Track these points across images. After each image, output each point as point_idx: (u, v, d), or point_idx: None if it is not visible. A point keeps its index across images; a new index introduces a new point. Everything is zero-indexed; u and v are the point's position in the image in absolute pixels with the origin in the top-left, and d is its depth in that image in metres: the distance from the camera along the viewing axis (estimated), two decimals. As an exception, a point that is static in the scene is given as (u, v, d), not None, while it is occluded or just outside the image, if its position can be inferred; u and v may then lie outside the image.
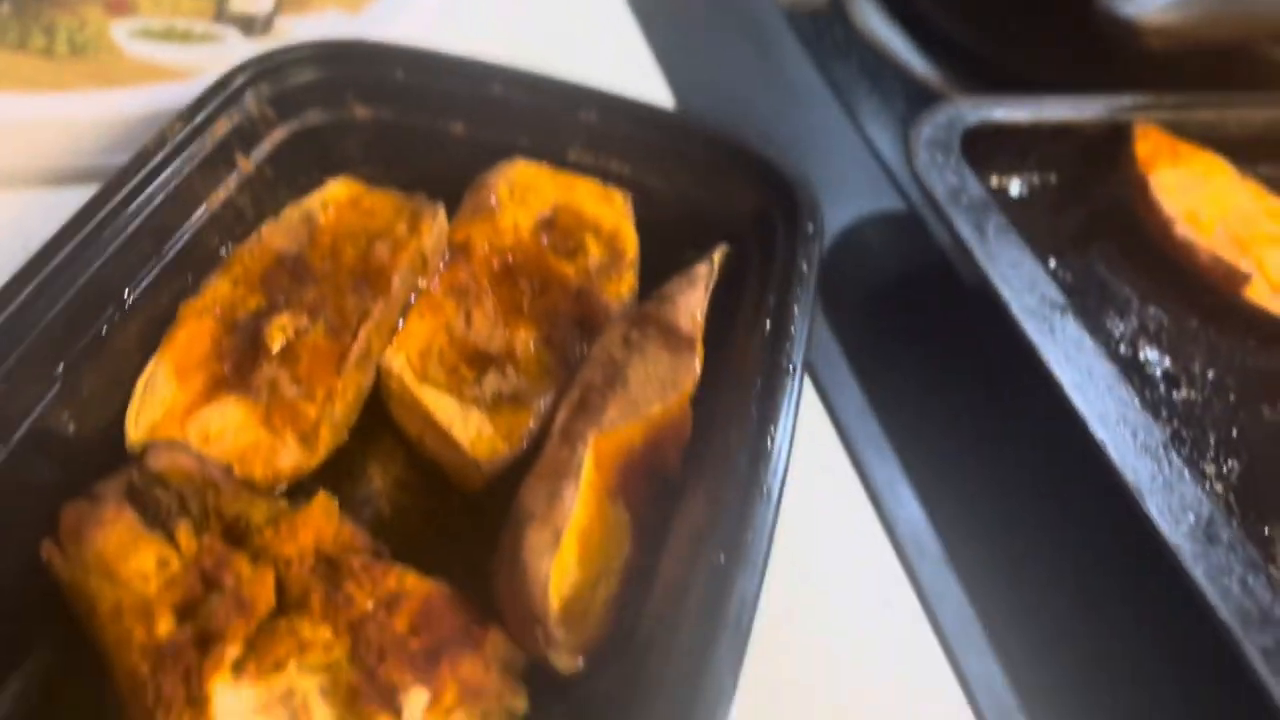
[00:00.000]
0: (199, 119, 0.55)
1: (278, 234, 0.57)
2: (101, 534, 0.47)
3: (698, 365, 0.50)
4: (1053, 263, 0.69)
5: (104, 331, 0.50)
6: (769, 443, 0.46)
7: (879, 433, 0.60)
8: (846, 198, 0.76)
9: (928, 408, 0.61)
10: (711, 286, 0.53)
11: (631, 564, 0.49)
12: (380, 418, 0.55)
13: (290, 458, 0.51)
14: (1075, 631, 0.52)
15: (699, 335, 0.51)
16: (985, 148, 0.70)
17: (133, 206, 0.51)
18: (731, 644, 0.40)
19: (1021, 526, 0.56)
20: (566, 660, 0.46)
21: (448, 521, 0.54)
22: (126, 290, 0.52)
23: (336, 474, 0.54)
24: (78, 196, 0.59)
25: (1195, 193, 0.70)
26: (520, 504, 0.47)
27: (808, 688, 0.50)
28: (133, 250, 0.52)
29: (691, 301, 0.52)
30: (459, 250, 0.58)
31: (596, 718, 0.46)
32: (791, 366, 0.47)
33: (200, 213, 0.55)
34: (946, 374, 0.63)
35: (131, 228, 0.51)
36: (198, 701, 0.42)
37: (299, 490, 0.52)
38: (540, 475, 0.48)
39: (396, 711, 0.42)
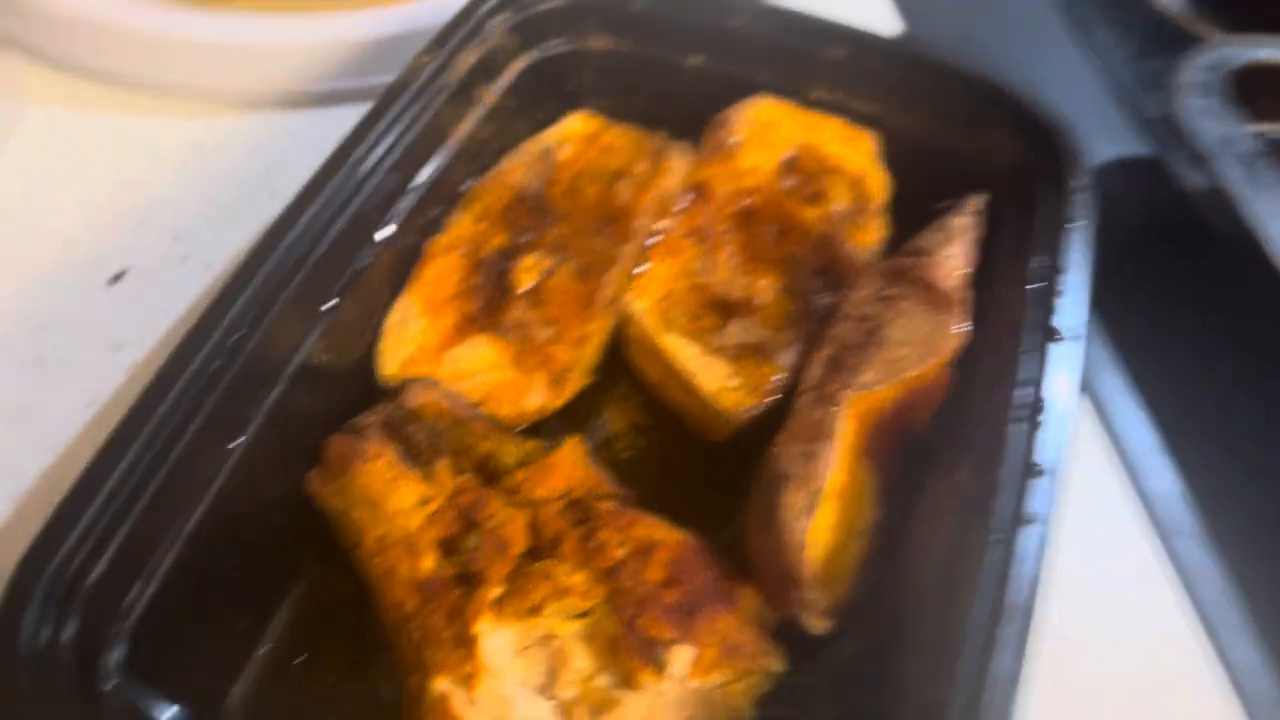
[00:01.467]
0: (448, 49, 0.54)
1: (517, 170, 0.57)
2: (366, 469, 0.48)
3: (960, 327, 0.48)
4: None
5: (360, 269, 0.50)
6: (1044, 414, 0.43)
7: (1130, 392, 0.57)
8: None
9: (1185, 364, 0.58)
10: (971, 242, 0.51)
11: (879, 526, 0.48)
12: (617, 361, 0.55)
13: (538, 398, 0.51)
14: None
15: (960, 295, 0.49)
16: (1251, 91, 0.64)
17: (385, 143, 0.51)
18: (1011, 627, 0.38)
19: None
20: (817, 621, 0.45)
21: (685, 469, 0.53)
22: (379, 228, 0.52)
23: (574, 416, 0.54)
24: (316, 120, 0.60)
25: None
26: (774, 464, 0.46)
27: (1060, 665, 0.48)
28: (384, 187, 0.52)
29: (952, 257, 0.50)
30: (697, 191, 0.56)
31: (846, 679, 0.45)
32: (1073, 333, 0.45)
33: (445, 147, 0.54)
34: (1201, 333, 0.59)
35: (386, 164, 0.51)
36: (465, 641, 0.43)
37: (539, 430, 0.52)
38: (794, 435, 0.47)
39: (659, 666, 0.42)
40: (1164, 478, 0.54)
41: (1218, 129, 0.59)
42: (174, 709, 0.39)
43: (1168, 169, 0.68)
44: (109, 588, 0.39)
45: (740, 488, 0.50)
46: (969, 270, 0.50)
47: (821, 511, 0.45)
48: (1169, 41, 0.76)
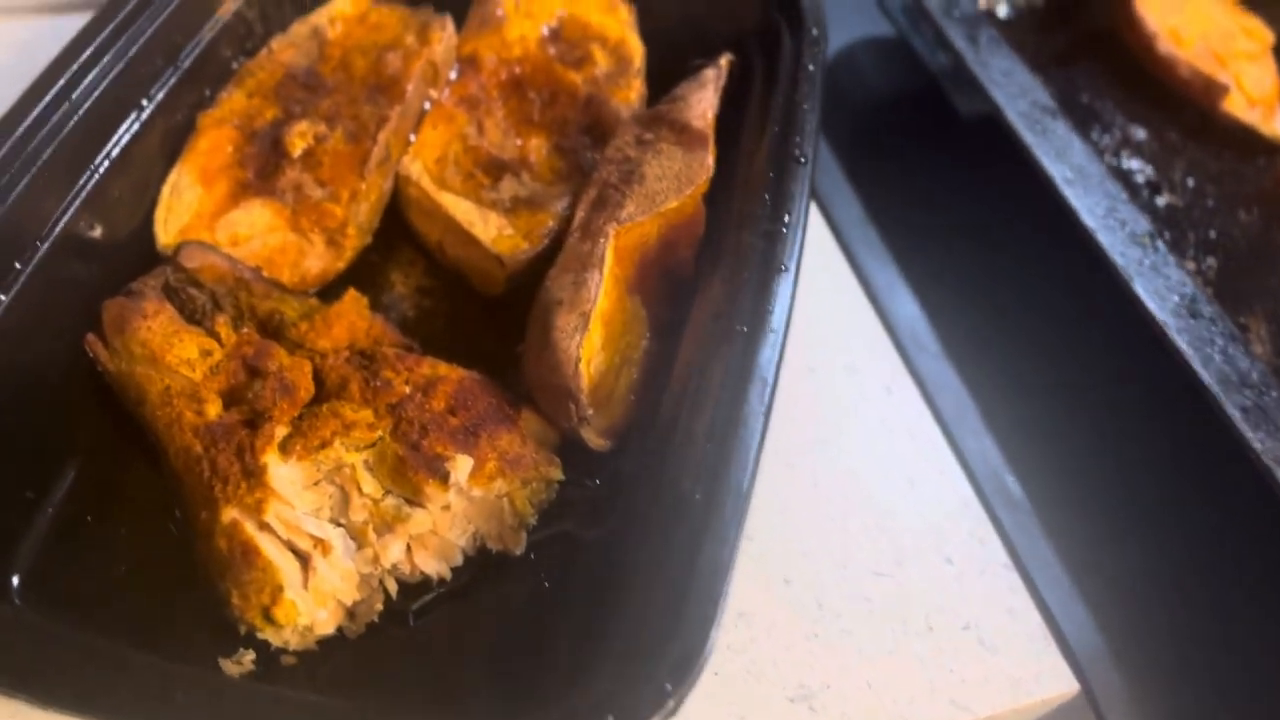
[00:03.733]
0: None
1: (287, 48, 0.58)
2: (145, 325, 0.48)
3: (710, 160, 0.52)
4: (1040, 80, 0.71)
5: (125, 141, 0.51)
6: (784, 226, 0.48)
7: (877, 240, 0.63)
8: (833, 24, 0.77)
9: (922, 217, 0.64)
10: (720, 88, 0.55)
11: (650, 355, 0.51)
12: (399, 230, 0.57)
13: (318, 260, 0.53)
14: (1065, 409, 0.56)
15: (711, 133, 0.53)
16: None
17: (141, 20, 0.52)
18: (758, 404, 0.42)
19: (1012, 317, 0.59)
20: (597, 439, 0.48)
21: (469, 323, 0.56)
22: (144, 101, 0.52)
23: (359, 282, 0.55)
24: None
25: (1177, 12, 0.72)
26: (546, 293, 0.49)
27: (813, 470, 0.53)
28: (145, 63, 0.52)
29: (703, 101, 0.54)
30: (467, 63, 0.59)
31: (626, 492, 0.49)
32: (802, 157, 0.49)
33: (210, 25, 0.55)
34: (939, 186, 0.66)
35: (142, 39, 0.51)
36: (253, 473, 0.44)
37: (325, 296, 0.54)
38: (564, 267, 0.50)
39: (443, 477, 0.45)
40: (906, 307, 0.60)
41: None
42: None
43: (909, 48, 0.75)
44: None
45: (515, 335, 0.52)
46: (716, 111, 0.54)
47: (591, 332, 0.48)
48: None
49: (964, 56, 0.61)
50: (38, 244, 0.47)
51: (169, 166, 0.53)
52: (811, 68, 0.53)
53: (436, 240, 0.55)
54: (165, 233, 0.51)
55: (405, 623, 0.46)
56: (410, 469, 0.45)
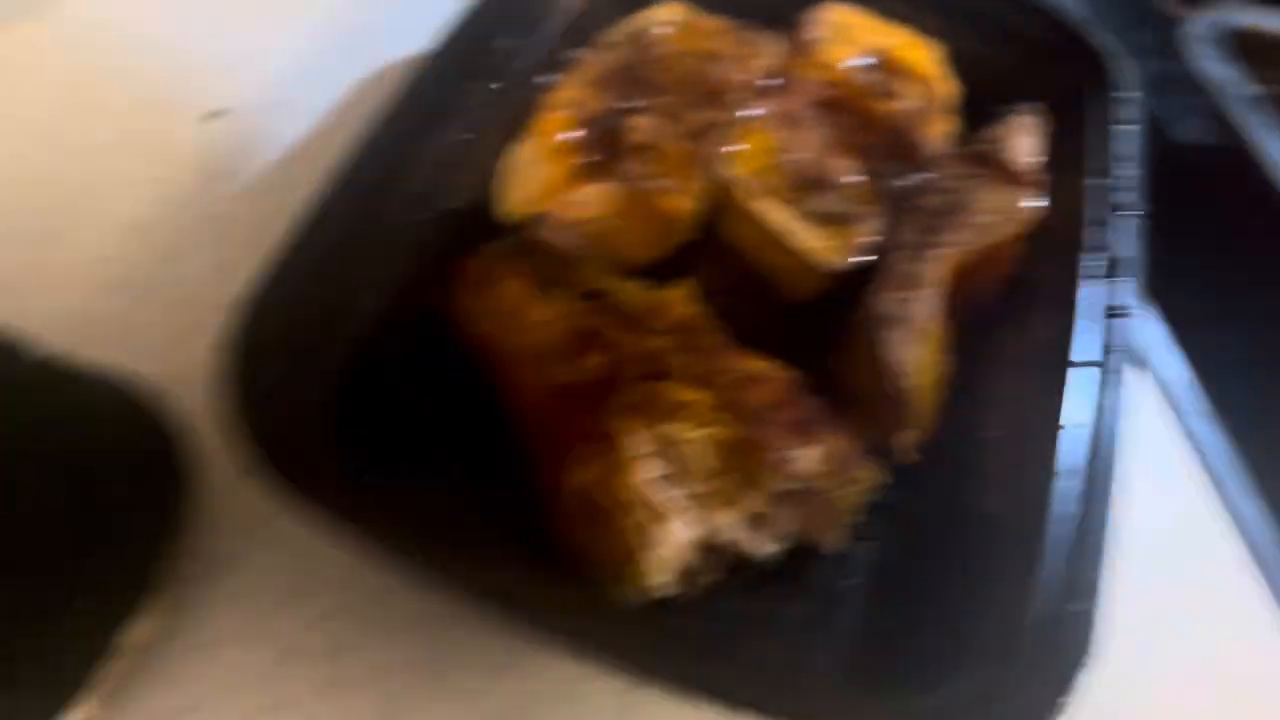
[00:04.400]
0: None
1: (614, 45, 0.61)
2: (504, 285, 0.51)
3: (1037, 202, 0.54)
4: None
5: (478, 115, 0.54)
6: (1114, 273, 0.50)
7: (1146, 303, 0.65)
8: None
9: (1191, 284, 0.66)
10: (1039, 135, 0.57)
11: (946, 379, 0.54)
12: (706, 229, 0.59)
13: (643, 248, 0.55)
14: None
15: (1036, 175, 0.55)
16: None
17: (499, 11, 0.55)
18: (1109, 446, 0.44)
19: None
20: (908, 448, 0.50)
21: (766, 325, 0.57)
22: (499, 79, 0.55)
23: (664, 273, 0.58)
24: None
25: None
26: (874, 308, 0.52)
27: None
28: (506, 43, 0.55)
29: (1025, 144, 0.56)
30: (785, 80, 0.61)
31: (924, 504, 0.51)
32: (1133, 209, 0.52)
33: (557, 12, 0.58)
34: (1204, 252, 0.68)
35: (508, 19, 0.55)
36: (606, 437, 0.47)
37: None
38: (890, 284, 0.52)
39: (783, 466, 0.47)
40: (1175, 368, 0.62)
41: (1228, 79, 0.67)
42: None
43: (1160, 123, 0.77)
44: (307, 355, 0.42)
45: (822, 343, 0.54)
46: (1039, 156, 0.56)
47: (919, 348, 0.50)
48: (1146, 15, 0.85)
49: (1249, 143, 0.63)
50: (410, 210, 0.50)
51: (510, 142, 0.55)
52: (1132, 125, 0.55)
53: (746, 244, 0.57)
54: (506, 204, 0.54)
55: (729, 596, 0.48)
56: (752, 453, 0.47)
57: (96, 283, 0.52)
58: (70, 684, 0.36)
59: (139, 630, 0.39)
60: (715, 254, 0.60)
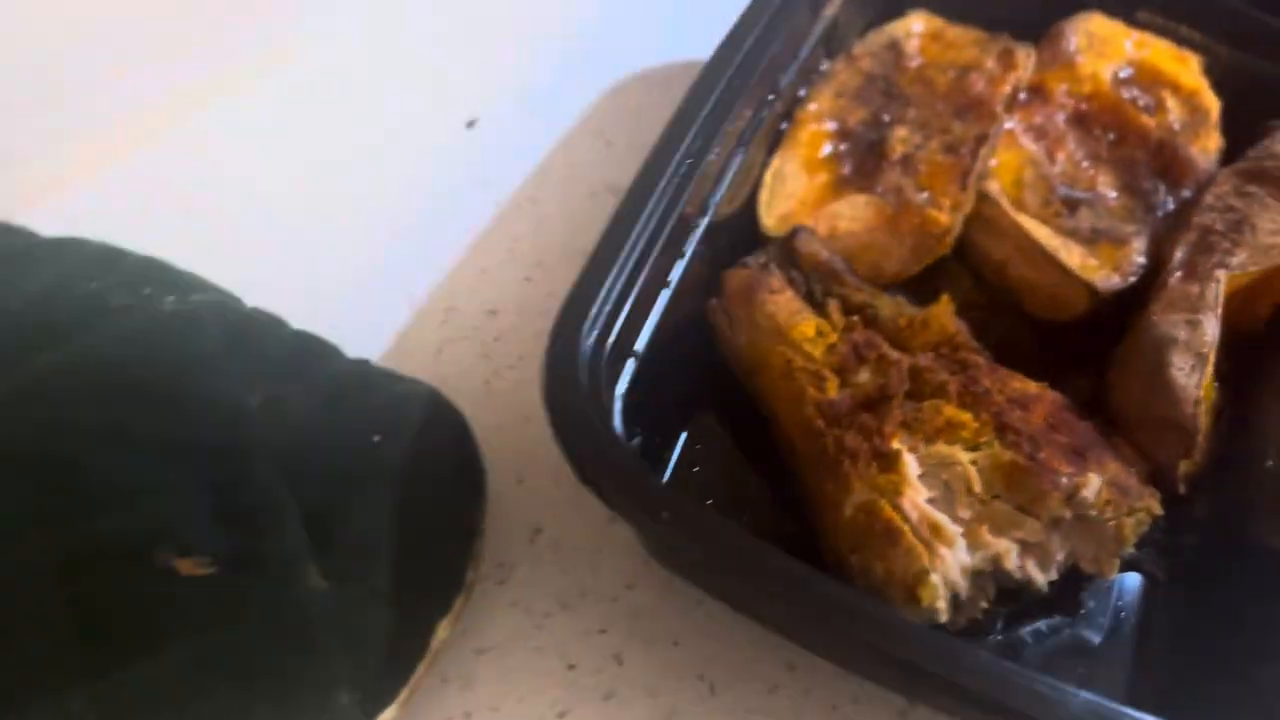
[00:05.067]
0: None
1: (865, 56, 0.60)
2: (772, 300, 0.51)
3: (1325, 222, 0.51)
4: None
5: (748, 129, 0.54)
6: None
7: None
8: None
9: None
10: (1323, 152, 0.54)
11: (1218, 406, 0.51)
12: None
13: (896, 263, 0.54)
14: None
15: (1322, 195, 0.52)
16: None
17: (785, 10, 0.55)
18: None
19: None
20: (1183, 480, 0.48)
21: (1023, 344, 0.56)
22: (772, 94, 0.56)
23: (910, 288, 0.57)
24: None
25: None
26: (1154, 329, 0.50)
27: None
28: (780, 56, 0.55)
29: (1309, 161, 0.53)
30: (1034, 92, 0.60)
31: (1194, 536, 0.49)
32: None
33: (817, 24, 0.58)
34: None
35: (780, 33, 0.55)
36: (884, 455, 0.46)
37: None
38: (1170, 306, 0.50)
39: (1067, 494, 0.45)
40: None
41: None
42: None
43: None
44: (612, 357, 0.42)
45: (1081, 364, 0.53)
46: (1326, 175, 0.53)
47: (1206, 375, 0.48)
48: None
49: None
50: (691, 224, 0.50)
51: (769, 154, 0.55)
52: None
53: (999, 260, 0.56)
54: (769, 216, 0.54)
55: (995, 626, 0.47)
56: (1031, 478, 0.46)
57: (370, 291, 0.54)
58: (391, 679, 0.37)
59: (443, 631, 0.40)
60: (956, 272, 0.59)
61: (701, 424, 0.50)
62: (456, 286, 0.55)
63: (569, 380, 0.39)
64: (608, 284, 0.42)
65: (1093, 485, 0.46)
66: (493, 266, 0.55)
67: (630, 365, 0.44)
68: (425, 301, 0.54)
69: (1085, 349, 0.54)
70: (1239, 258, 0.51)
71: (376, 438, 0.40)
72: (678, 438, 0.49)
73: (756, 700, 0.43)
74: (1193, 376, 0.47)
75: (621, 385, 0.44)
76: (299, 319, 0.47)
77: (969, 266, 0.59)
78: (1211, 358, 0.50)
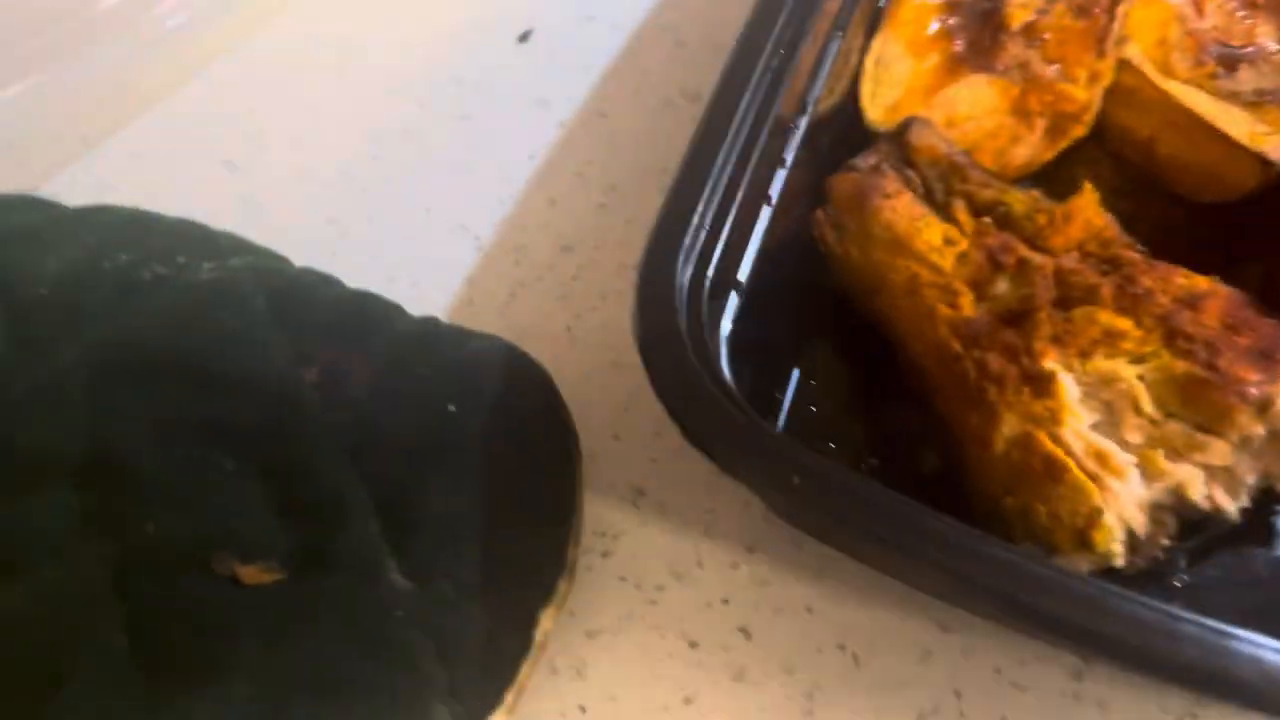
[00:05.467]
0: None
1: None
2: (888, 206, 0.44)
3: None
4: None
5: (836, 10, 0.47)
6: None
7: None
8: None
9: None
10: None
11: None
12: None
13: (1027, 149, 0.47)
14: None
15: None
16: None
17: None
18: None
19: None
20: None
21: (1181, 230, 0.49)
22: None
23: (1041, 179, 0.50)
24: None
25: None
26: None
27: None
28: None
29: None
30: (1176, -67, 0.51)
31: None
32: None
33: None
34: None
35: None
36: (1036, 379, 0.40)
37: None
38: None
39: (1261, 406, 0.38)
40: None
41: None
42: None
43: None
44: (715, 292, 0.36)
45: (1241, 250, 0.46)
46: None
47: None
48: None
49: None
50: (799, 118, 0.43)
51: (869, 38, 0.48)
52: None
53: (1147, 136, 0.48)
54: (874, 108, 0.47)
55: (1178, 566, 0.40)
56: (1212, 391, 0.39)
57: (430, 235, 0.48)
58: (494, 683, 0.33)
59: (547, 620, 0.35)
60: (1094, 155, 0.51)
61: (817, 357, 0.44)
62: (525, 222, 0.49)
63: (667, 325, 0.33)
64: (700, 206, 0.36)
65: (1285, 397, 0.39)
66: (562, 195, 0.49)
67: (733, 298, 0.38)
68: (492, 241, 0.48)
69: (1256, 232, 0.46)
70: None
71: (451, 406, 0.34)
72: (790, 375, 0.43)
73: (908, 670, 0.38)
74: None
75: (726, 323, 0.37)
76: (355, 276, 0.41)
77: (1109, 149, 0.51)
78: None
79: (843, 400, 0.44)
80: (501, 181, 0.50)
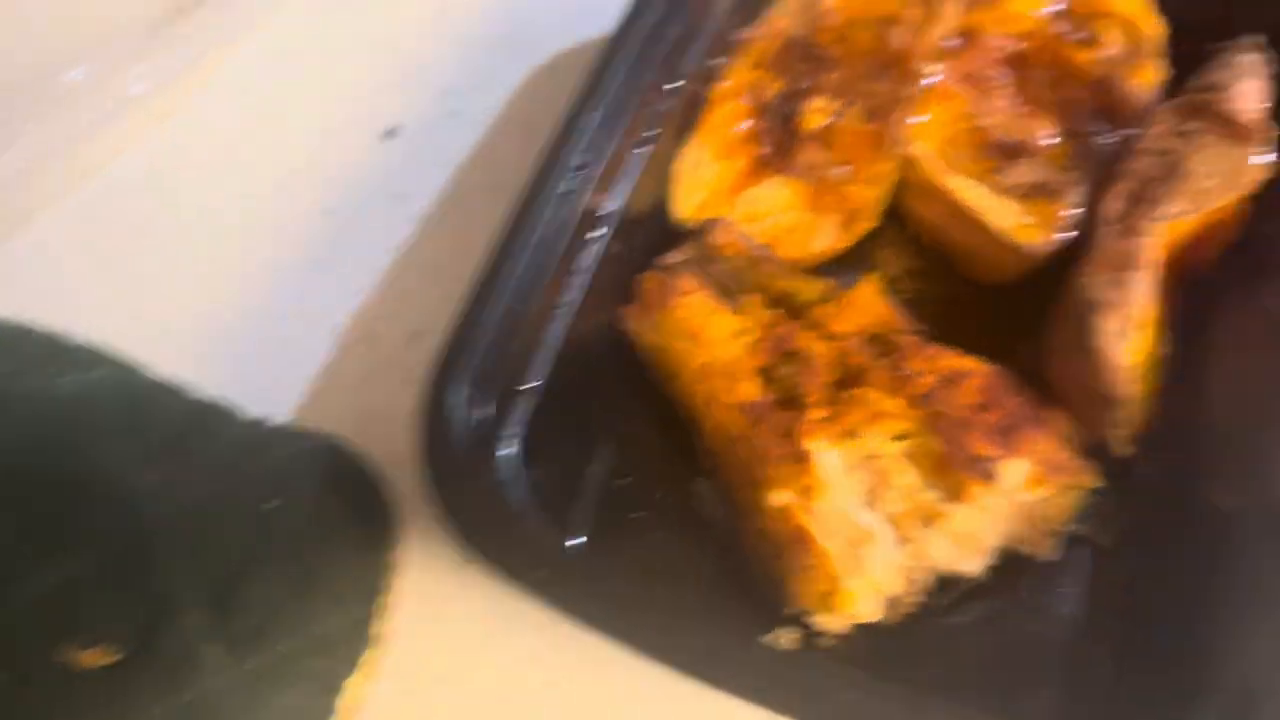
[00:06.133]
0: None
1: (784, 18, 0.58)
2: (684, 303, 0.50)
3: (1267, 158, 0.48)
4: None
5: (657, 115, 0.52)
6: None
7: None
8: None
9: None
10: (1267, 75, 0.51)
11: (1167, 359, 0.49)
12: (886, 208, 0.56)
13: (825, 240, 0.53)
14: None
15: (1263, 127, 0.49)
16: None
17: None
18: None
19: None
20: (1124, 444, 0.46)
21: (964, 310, 0.54)
22: (680, 77, 0.54)
23: (848, 261, 0.55)
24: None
25: None
26: (1083, 293, 0.48)
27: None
28: (672, 40, 0.53)
29: (1249, 91, 0.50)
30: (967, 38, 0.57)
31: (1147, 500, 0.47)
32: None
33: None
34: None
35: (678, 14, 0.52)
36: (799, 457, 0.45)
37: (819, 274, 0.54)
38: (1100, 264, 0.48)
39: (991, 478, 0.44)
40: None
41: None
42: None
43: None
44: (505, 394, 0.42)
45: (1023, 329, 0.51)
46: (1267, 104, 0.50)
47: (1137, 338, 0.46)
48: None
49: None
50: (599, 223, 0.49)
51: (682, 140, 0.53)
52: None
53: (936, 224, 0.54)
54: (684, 207, 0.52)
55: (936, 615, 0.46)
56: (954, 467, 0.45)
57: (290, 324, 0.54)
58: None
59: (353, 689, 0.40)
60: (896, 238, 0.57)
61: (631, 433, 0.50)
62: (379, 311, 0.54)
63: (450, 459, 0.39)
64: (486, 323, 0.42)
65: (1014, 469, 0.45)
66: (415, 286, 0.55)
67: (535, 393, 0.44)
68: (347, 331, 0.54)
69: (1030, 312, 0.52)
70: (1175, 207, 0.48)
71: (272, 504, 0.40)
72: (606, 448, 0.49)
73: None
74: (1120, 342, 0.45)
75: (517, 424, 0.43)
76: (217, 371, 0.47)
77: (909, 234, 0.57)
78: (1149, 315, 0.48)
79: (655, 471, 0.49)
80: (359, 274, 0.56)
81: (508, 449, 0.42)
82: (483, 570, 0.39)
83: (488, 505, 0.38)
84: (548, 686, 0.44)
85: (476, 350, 0.41)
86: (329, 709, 0.39)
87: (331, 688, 0.39)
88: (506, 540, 0.37)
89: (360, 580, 0.41)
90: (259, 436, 0.43)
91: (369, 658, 0.41)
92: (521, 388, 0.43)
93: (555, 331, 0.46)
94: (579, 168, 0.47)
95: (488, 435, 0.40)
